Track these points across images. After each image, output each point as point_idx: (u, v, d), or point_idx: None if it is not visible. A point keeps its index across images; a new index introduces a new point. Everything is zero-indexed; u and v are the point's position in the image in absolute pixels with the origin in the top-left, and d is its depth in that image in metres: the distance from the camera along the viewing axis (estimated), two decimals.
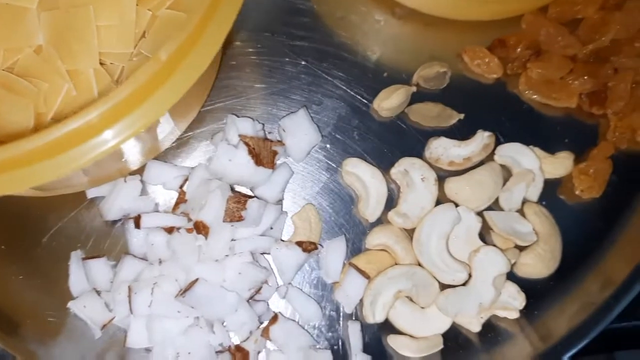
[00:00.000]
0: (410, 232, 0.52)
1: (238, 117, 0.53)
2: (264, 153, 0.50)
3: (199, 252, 0.48)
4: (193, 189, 0.50)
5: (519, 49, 0.56)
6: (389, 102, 0.54)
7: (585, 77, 0.54)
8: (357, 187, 0.53)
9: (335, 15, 0.57)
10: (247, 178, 0.50)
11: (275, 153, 0.51)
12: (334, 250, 0.52)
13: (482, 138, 0.54)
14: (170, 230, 0.49)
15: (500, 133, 0.55)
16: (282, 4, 0.58)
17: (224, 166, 0.49)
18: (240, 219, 0.46)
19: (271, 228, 0.51)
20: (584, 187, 0.54)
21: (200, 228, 0.47)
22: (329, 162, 0.54)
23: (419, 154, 0.54)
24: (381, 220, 0.53)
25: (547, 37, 0.55)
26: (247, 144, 0.49)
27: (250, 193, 0.52)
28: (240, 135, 0.50)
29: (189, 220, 0.49)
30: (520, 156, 0.54)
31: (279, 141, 0.52)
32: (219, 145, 0.49)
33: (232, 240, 0.48)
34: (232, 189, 0.51)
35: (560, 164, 0.54)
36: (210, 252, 0.47)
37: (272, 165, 0.50)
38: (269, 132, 0.54)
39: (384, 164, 0.54)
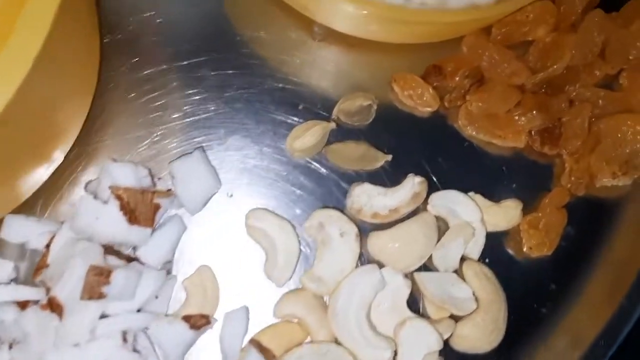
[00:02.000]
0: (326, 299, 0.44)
1: (116, 160, 0.44)
2: (141, 208, 0.41)
3: (55, 334, 0.38)
4: (56, 251, 0.41)
5: (457, 77, 0.47)
6: (301, 141, 0.45)
7: (535, 112, 0.45)
8: (264, 244, 0.44)
9: (243, 33, 0.48)
10: (121, 239, 0.41)
11: (157, 207, 0.42)
12: (234, 324, 0.43)
13: (413, 184, 0.45)
14: (24, 304, 0.40)
15: (435, 177, 0.47)
16: (183, 17, 0.49)
17: (89, 225, 0.40)
18: (101, 296, 0.37)
19: (156, 297, 0.42)
20: (533, 244, 0.45)
21: (54, 306, 0.38)
22: (232, 214, 0.45)
23: (340, 203, 0.46)
24: (292, 285, 0.44)
25: (491, 63, 0.46)
26: (119, 198, 0.40)
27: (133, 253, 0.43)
28: (111, 187, 0.40)
29: (48, 292, 0.40)
30: (458, 206, 0.45)
31: (168, 190, 0.43)
32: (81, 200, 0.40)
33: (102, 316, 0.39)
34: (112, 249, 0.42)
35: (505, 215, 0.46)
36: (66, 335, 0.38)
37: (150, 222, 0.41)
38: (159, 178, 0.45)
39: (298, 216, 0.45)
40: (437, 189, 0.46)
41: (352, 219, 0.45)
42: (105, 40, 0.47)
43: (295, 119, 0.47)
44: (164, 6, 0.48)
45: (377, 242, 0.45)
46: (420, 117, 0.48)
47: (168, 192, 0.43)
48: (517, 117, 0.45)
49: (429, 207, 0.45)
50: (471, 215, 0.45)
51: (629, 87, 0.48)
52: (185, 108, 0.46)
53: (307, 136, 0.45)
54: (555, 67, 0.45)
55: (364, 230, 0.45)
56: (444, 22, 0.42)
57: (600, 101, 0.47)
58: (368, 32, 0.47)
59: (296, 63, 0.48)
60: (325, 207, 0.45)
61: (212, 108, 0.47)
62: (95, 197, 0.41)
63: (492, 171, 0.47)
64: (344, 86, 0.48)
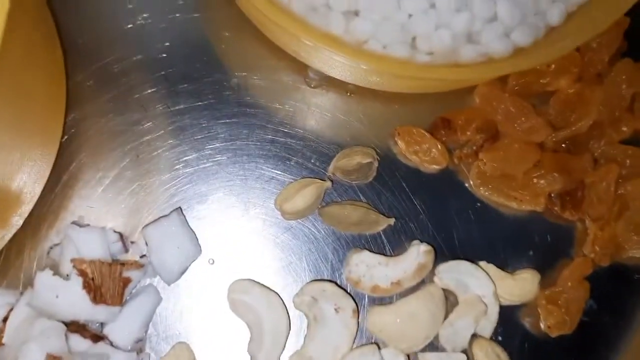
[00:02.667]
0: None
1: (81, 226, 0.38)
2: (108, 284, 0.36)
3: None
4: (13, 329, 0.36)
5: (469, 132, 0.42)
6: (292, 204, 0.40)
7: (556, 174, 0.40)
8: (249, 320, 0.39)
9: (232, 76, 0.43)
10: (86, 317, 0.36)
11: (126, 282, 0.37)
12: None
13: (418, 254, 0.40)
14: None
15: (443, 244, 0.42)
16: (168, 57, 0.44)
17: (49, 303, 0.35)
18: None
19: None
20: (552, 322, 0.40)
21: None
22: (213, 285, 0.40)
23: (337, 272, 0.41)
24: None
25: (507, 117, 0.41)
26: (82, 273, 0.35)
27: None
28: (73, 261, 0.35)
29: None
30: (469, 278, 0.40)
31: (140, 259, 0.38)
32: (39, 276, 0.35)
33: None
34: (77, 324, 0.37)
35: (521, 288, 0.41)
36: None
37: (118, 300, 0.36)
38: (132, 242, 0.40)
39: (288, 287, 0.40)
40: (446, 258, 0.41)
41: (350, 291, 0.40)
42: (76, 81, 0.42)
43: (287, 175, 0.42)
44: (145, 45, 0.43)
45: (378, 319, 0.39)
46: (428, 174, 0.43)
47: (140, 263, 0.38)
48: (535, 180, 0.40)
49: (436, 279, 0.40)
50: (483, 289, 0.40)
51: None
52: (163, 162, 0.41)
53: (299, 197, 0.40)
54: (580, 124, 0.41)
55: (363, 302, 0.40)
56: (453, 79, 0.37)
57: (627, 161, 0.42)
58: (369, 82, 0.42)
59: (288, 111, 0.43)
60: (318, 279, 0.40)
61: (194, 162, 0.41)
62: (56, 271, 0.35)
63: (506, 237, 0.42)
64: (342, 138, 0.43)
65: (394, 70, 0.36)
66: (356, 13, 0.39)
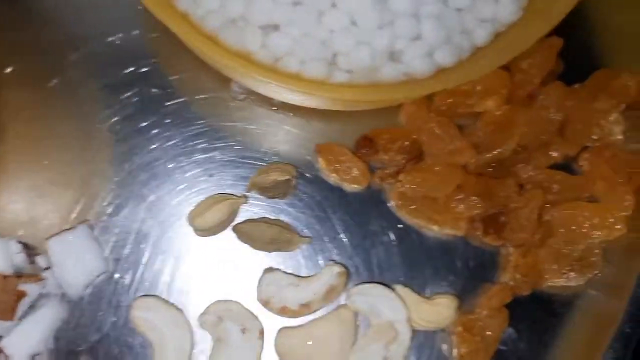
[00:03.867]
0: None
1: None
2: (1, 297, 0.35)
3: None
4: None
5: (392, 152, 0.41)
6: (202, 220, 0.39)
7: (475, 198, 0.39)
8: (152, 337, 0.38)
9: (150, 84, 0.42)
10: None
11: (20, 296, 0.36)
12: None
13: (331, 275, 0.39)
14: None
15: (361, 267, 0.41)
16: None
17: None
18: None
19: None
20: (465, 350, 0.39)
21: None
22: (118, 301, 0.39)
23: (250, 291, 0.40)
24: None
25: (431, 137, 0.40)
26: None
27: None
28: None
29: None
30: (381, 302, 0.39)
31: (40, 273, 0.37)
32: None
33: None
34: None
35: (438, 313, 0.40)
36: None
37: (10, 315, 0.35)
38: (38, 255, 0.39)
39: (196, 306, 0.39)
40: (363, 280, 0.40)
41: (259, 312, 0.39)
42: None
43: (204, 190, 0.41)
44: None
45: (286, 341, 0.39)
46: (350, 193, 0.42)
47: (39, 277, 0.37)
48: (454, 204, 0.39)
49: (348, 301, 0.39)
50: (396, 314, 0.39)
51: (590, 172, 0.41)
52: (73, 171, 0.40)
53: (209, 214, 0.39)
54: (502, 148, 0.39)
55: (276, 324, 0.39)
56: (371, 100, 0.36)
57: (555, 186, 0.41)
58: (290, 99, 0.41)
59: (211, 125, 0.42)
60: (225, 299, 0.39)
61: (108, 174, 0.40)
62: None
63: (427, 260, 0.41)
64: (264, 154, 0.42)
65: (308, 91, 0.35)
66: (276, 27, 0.38)
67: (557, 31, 0.42)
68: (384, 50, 0.38)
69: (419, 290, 0.40)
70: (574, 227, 0.40)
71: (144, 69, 0.42)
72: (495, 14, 0.39)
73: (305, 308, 0.39)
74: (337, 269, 0.39)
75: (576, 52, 0.43)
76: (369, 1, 0.37)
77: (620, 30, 0.44)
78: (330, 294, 0.39)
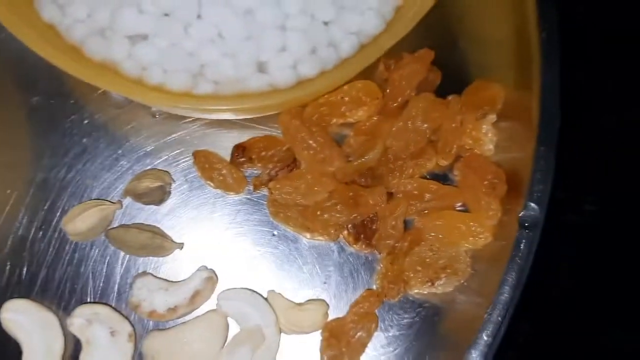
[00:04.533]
0: None
1: None
2: None
3: None
4: None
5: (265, 160, 0.42)
6: (73, 225, 0.40)
7: (340, 207, 0.40)
8: (22, 338, 0.39)
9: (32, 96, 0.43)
10: None
11: None
12: None
13: (199, 280, 0.40)
14: None
15: (233, 271, 0.41)
16: None
17: None
18: None
19: None
20: (330, 355, 0.40)
21: None
22: None
23: (123, 296, 0.41)
24: None
25: (302, 146, 0.41)
26: None
27: None
28: None
29: None
30: (249, 307, 0.40)
31: None
32: None
33: None
34: None
35: (307, 319, 0.41)
36: None
37: None
38: None
39: (69, 309, 0.40)
40: (236, 285, 0.41)
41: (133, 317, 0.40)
42: None
43: (83, 195, 0.42)
44: None
45: (154, 344, 0.39)
46: (227, 200, 0.43)
47: None
48: (319, 212, 0.40)
49: (217, 305, 0.40)
50: (264, 319, 0.40)
51: (461, 182, 0.42)
52: None
53: (80, 219, 0.40)
54: (367, 157, 0.40)
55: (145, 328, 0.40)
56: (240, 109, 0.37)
57: (427, 195, 0.42)
58: (162, 108, 0.42)
59: (90, 130, 0.43)
60: (92, 302, 0.40)
61: None
62: None
63: (302, 266, 0.42)
64: (143, 161, 0.43)
65: (170, 104, 0.36)
66: (144, 38, 0.39)
67: (439, 42, 0.44)
68: (250, 62, 0.39)
69: (292, 296, 0.41)
70: (441, 236, 0.41)
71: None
72: (360, 27, 0.40)
73: (173, 312, 0.40)
74: (205, 274, 0.40)
75: (455, 64, 0.45)
76: (235, 13, 0.38)
77: (498, 43, 0.44)
78: (196, 298, 0.40)
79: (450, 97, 0.43)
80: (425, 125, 0.41)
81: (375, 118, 0.42)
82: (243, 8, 0.38)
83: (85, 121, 0.43)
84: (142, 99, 0.37)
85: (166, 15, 0.38)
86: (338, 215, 0.40)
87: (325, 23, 0.40)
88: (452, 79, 0.44)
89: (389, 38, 0.38)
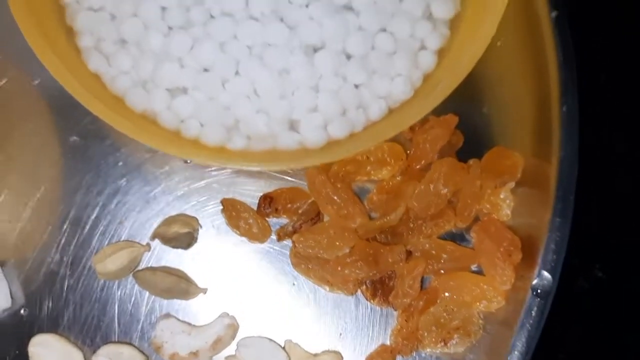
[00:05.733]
0: None
1: None
2: None
3: None
4: None
5: (291, 212, 0.44)
6: (103, 265, 0.42)
7: (360, 263, 0.42)
8: None
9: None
10: None
11: None
12: None
13: (221, 326, 0.42)
14: None
15: (253, 319, 0.43)
16: None
17: None
18: None
19: None
20: None
21: None
22: (21, 334, 0.42)
23: (146, 336, 0.42)
24: None
25: (327, 201, 0.43)
26: None
27: None
28: None
29: None
30: (267, 355, 0.42)
31: None
32: None
33: None
34: None
35: None
36: None
37: None
38: None
39: (95, 346, 0.42)
40: (255, 332, 0.42)
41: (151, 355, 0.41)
42: None
43: (112, 236, 0.44)
44: None
45: None
46: (251, 247, 0.44)
47: None
48: (340, 267, 0.42)
49: (236, 352, 0.42)
50: None
51: (477, 245, 0.44)
52: None
53: (110, 260, 0.42)
54: (390, 217, 0.42)
55: None
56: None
57: (444, 255, 0.43)
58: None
59: (123, 172, 0.45)
60: (117, 341, 0.42)
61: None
62: None
63: (319, 317, 0.43)
64: (172, 206, 0.44)
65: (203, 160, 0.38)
66: (183, 91, 0.41)
67: (464, 106, 0.45)
68: (282, 120, 0.40)
69: (308, 346, 0.43)
70: (456, 297, 0.43)
71: None
72: (389, 92, 0.41)
73: (194, 356, 0.41)
74: (227, 320, 0.42)
75: (478, 127, 0.46)
76: (271, 71, 0.40)
77: (521, 112, 0.46)
78: (217, 344, 0.41)
79: (471, 161, 0.44)
80: (446, 190, 0.42)
81: (398, 178, 0.43)
82: (279, 67, 0.40)
83: (120, 163, 0.45)
84: (178, 153, 0.39)
85: (205, 70, 0.40)
86: (358, 271, 0.42)
87: (356, 86, 0.41)
88: (473, 142, 0.45)
89: (421, 108, 0.39)
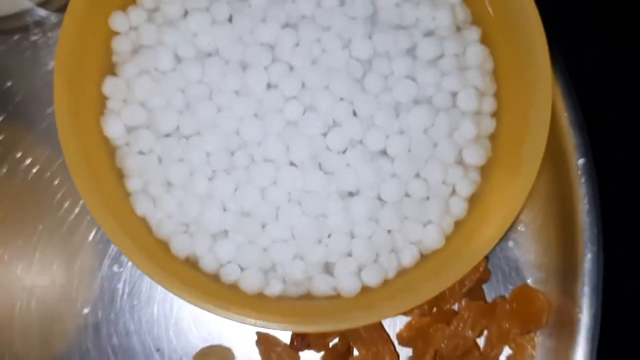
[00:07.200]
0: None
1: None
2: None
3: None
4: None
5: (322, 346, 0.45)
6: None
7: None
8: None
9: None
10: None
11: None
12: None
13: None
14: None
15: None
16: None
17: None
18: None
19: None
20: None
21: None
22: None
23: None
24: None
25: (357, 338, 0.44)
26: None
27: None
28: None
29: None
30: None
31: None
32: None
33: None
34: None
35: None
36: None
37: None
38: None
39: None
40: None
41: None
42: None
43: None
44: None
45: None
46: None
47: None
48: None
49: None
50: None
51: None
52: None
53: None
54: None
55: None
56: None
57: None
58: None
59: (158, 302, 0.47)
60: None
61: None
62: None
63: None
64: (207, 335, 0.46)
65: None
66: (225, 234, 0.42)
67: None
68: (317, 264, 0.42)
69: None
70: None
71: None
72: (421, 237, 0.43)
73: None
74: None
75: (504, 261, 0.48)
76: (308, 216, 0.42)
77: (547, 249, 0.48)
78: None
79: (497, 300, 0.46)
80: (474, 333, 0.44)
81: (424, 320, 0.45)
82: (316, 212, 0.42)
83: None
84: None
85: (246, 214, 0.42)
86: None
87: (389, 231, 0.43)
88: (499, 276, 0.47)
89: (459, 269, 0.40)
